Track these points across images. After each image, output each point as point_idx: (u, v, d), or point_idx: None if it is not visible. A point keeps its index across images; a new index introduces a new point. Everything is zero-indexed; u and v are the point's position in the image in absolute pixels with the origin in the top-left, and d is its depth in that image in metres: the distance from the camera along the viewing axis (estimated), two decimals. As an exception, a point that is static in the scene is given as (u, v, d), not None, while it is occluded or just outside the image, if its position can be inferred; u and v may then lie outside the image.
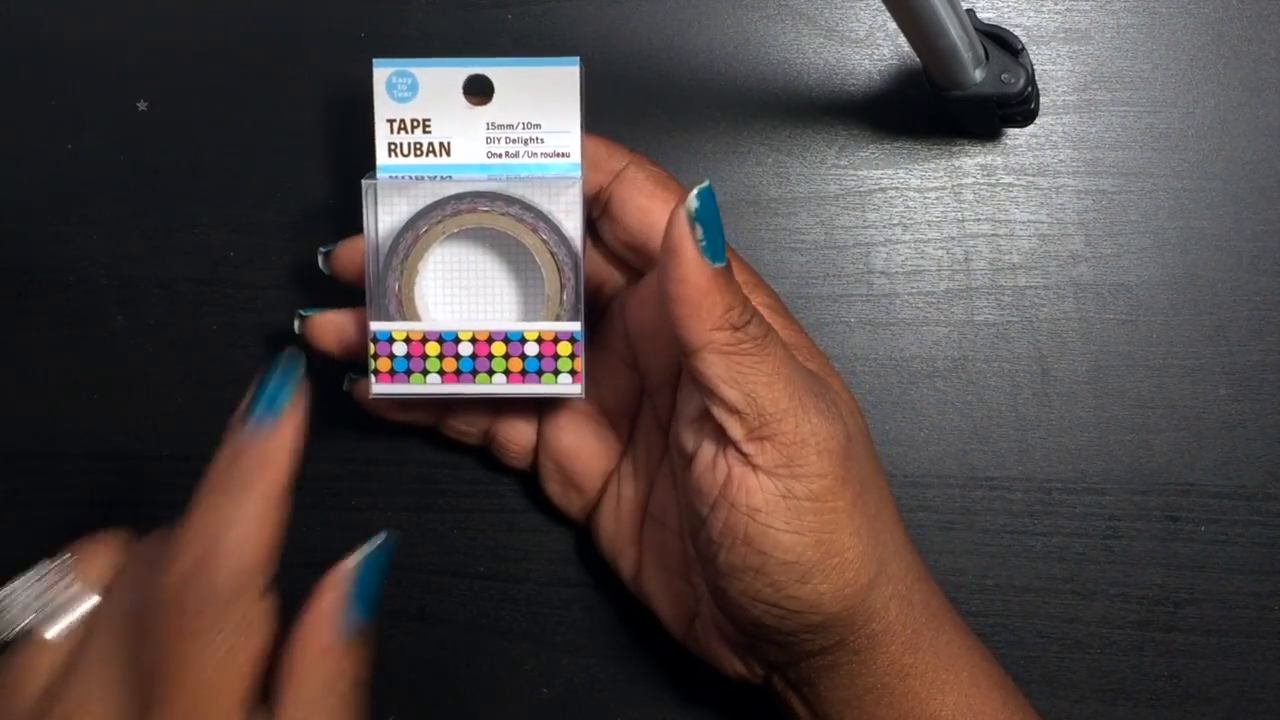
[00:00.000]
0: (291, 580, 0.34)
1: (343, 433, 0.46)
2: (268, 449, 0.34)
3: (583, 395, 0.41)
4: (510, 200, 0.41)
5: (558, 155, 0.41)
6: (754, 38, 0.47)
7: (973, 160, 0.46)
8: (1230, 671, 0.45)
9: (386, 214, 0.41)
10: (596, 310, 0.44)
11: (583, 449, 0.44)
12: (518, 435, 0.44)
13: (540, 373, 0.41)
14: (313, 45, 0.47)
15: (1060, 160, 0.46)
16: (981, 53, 0.41)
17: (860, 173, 0.46)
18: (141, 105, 0.47)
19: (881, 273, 0.46)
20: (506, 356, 0.41)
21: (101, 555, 0.37)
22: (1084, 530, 0.45)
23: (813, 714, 0.40)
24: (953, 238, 0.46)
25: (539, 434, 0.44)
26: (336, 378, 0.45)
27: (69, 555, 0.36)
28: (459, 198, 0.41)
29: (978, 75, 0.41)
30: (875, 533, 0.38)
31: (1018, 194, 0.46)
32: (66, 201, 0.47)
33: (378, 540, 0.36)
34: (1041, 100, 0.44)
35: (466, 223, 0.41)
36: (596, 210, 0.42)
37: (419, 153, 0.41)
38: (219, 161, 0.47)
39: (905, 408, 0.46)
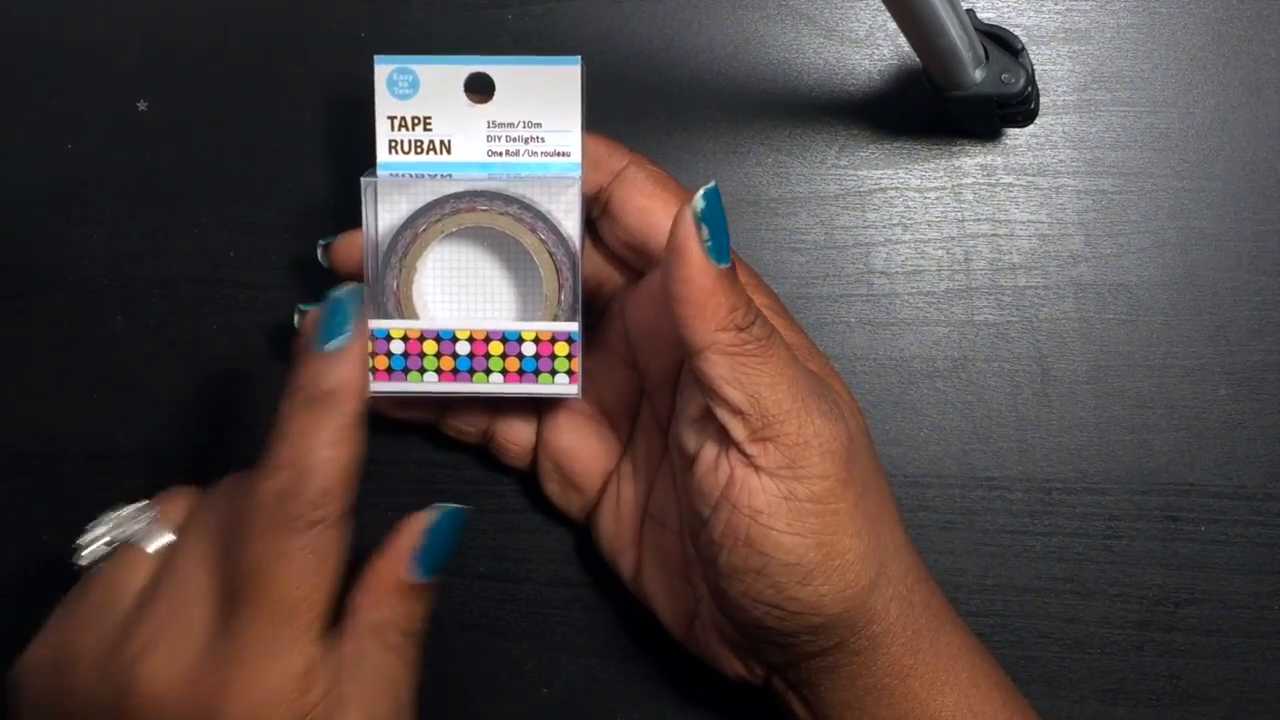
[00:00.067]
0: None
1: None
2: (345, 372, 0.36)
3: (580, 396, 0.41)
4: (509, 199, 0.41)
5: (558, 154, 0.41)
6: (754, 38, 0.47)
7: (973, 160, 0.46)
8: (1230, 671, 0.45)
9: (386, 211, 0.41)
10: (596, 310, 0.44)
11: (582, 449, 0.44)
12: (516, 435, 0.44)
13: (537, 373, 0.41)
14: (313, 45, 0.47)
15: (1060, 160, 0.46)
16: (981, 53, 0.41)
17: (860, 173, 0.46)
18: (141, 105, 0.47)
19: (881, 273, 0.46)
20: (504, 356, 0.41)
21: (179, 502, 0.40)
22: (1084, 530, 0.45)
23: (812, 715, 0.40)
24: (953, 238, 0.46)
25: (538, 434, 0.44)
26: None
27: (148, 501, 0.40)
28: (458, 196, 0.41)
29: (978, 75, 0.41)
30: (876, 534, 0.38)
31: (1018, 194, 0.46)
32: (66, 201, 0.47)
33: (453, 507, 0.39)
34: (1041, 100, 0.44)
35: (465, 221, 0.41)
36: (596, 210, 0.42)
37: (419, 150, 0.41)
38: (219, 161, 0.47)
39: (905, 408, 0.46)
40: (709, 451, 0.38)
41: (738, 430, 0.37)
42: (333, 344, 0.36)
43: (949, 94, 0.42)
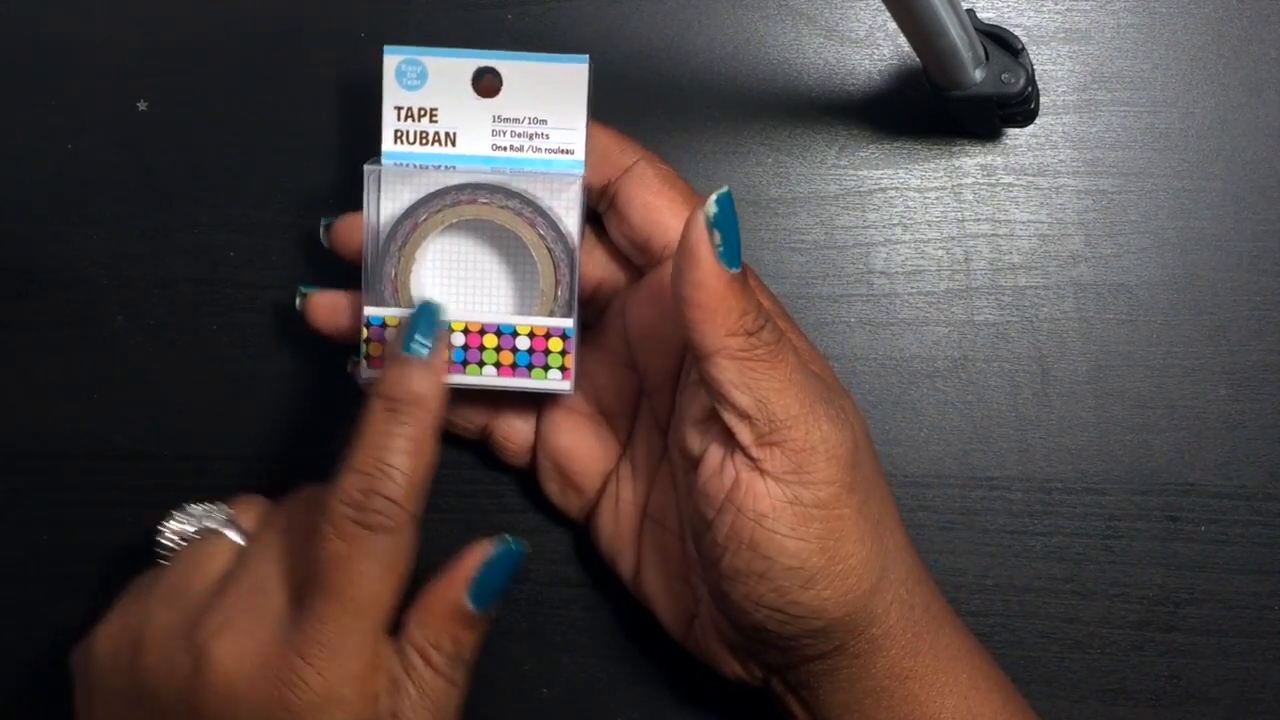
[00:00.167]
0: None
1: (343, 432, 0.46)
2: (426, 382, 0.38)
3: (572, 392, 0.41)
4: (510, 194, 0.41)
5: (562, 151, 0.41)
6: (754, 38, 0.47)
7: (973, 160, 0.46)
8: (1230, 671, 0.45)
9: (388, 200, 0.41)
10: (595, 309, 0.44)
11: (581, 449, 0.43)
12: (514, 434, 0.44)
13: (530, 367, 0.41)
14: (313, 45, 0.47)
15: (1060, 160, 0.46)
16: (981, 53, 0.41)
17: (860, 173, 0.46)
18: (141, 105, 0.47)
19: (881, 273, 0.46)
20: (498, 349, 0.41)
21: (252, 505, 0.42)
22: (1084, 530, 0.45)
23: (811, 717, 0.40)
24: (953, 238, 0.46)
25: (537, 433, 0.44)
26: (337, 370, 0.45)
27: (223, 502, 0.42)
28: (460, 188, 0.41)
29: (978, 75, 0.41)
30: (878, 538, 0.38)
31: (1018, 194, 0.46)
32: (66, 201, 0.47)
33: (513, 547, 0.40)
34: (1041, 100, 0.44)
35: (465, 214, 0.41)
36: (603, 204, 0.42)
37: (424, 141, 0.41)
38: (219, 161, 0.47)
39: (905, 408, 0.46)
40: (714, 454, 0.38)
41: (744, 434, 0.37)
42: (422, 349, 0.38)
43: (949, 94, 0.42)
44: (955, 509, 0.46)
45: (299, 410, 0.47)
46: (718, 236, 0.36)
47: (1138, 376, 0.46)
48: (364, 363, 0.41)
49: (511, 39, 0.46)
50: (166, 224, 0.47)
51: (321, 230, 0.43)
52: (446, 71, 0.41)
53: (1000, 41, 0.42)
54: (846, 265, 0.46)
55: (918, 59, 0.42)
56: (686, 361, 0.41)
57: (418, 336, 0.38)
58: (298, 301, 0.43)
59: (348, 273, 0.43)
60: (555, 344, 0.41)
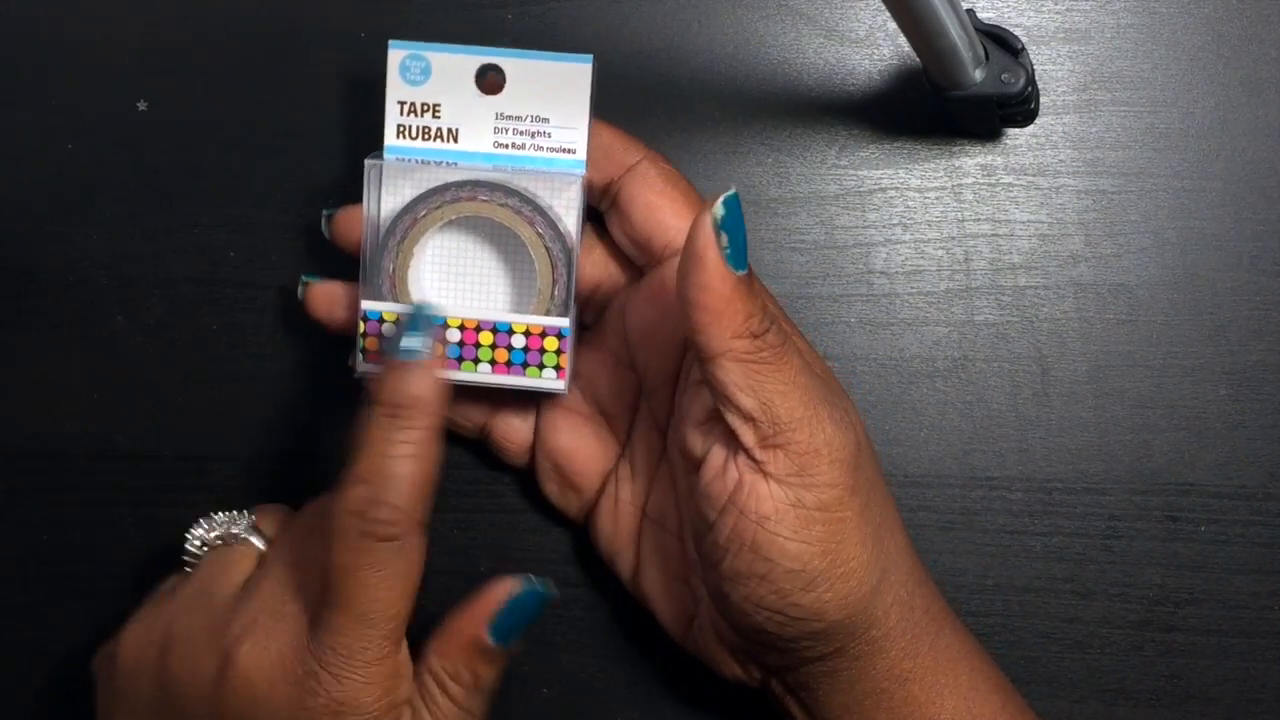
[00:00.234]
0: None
1: (343, 432, 0.46)
2: (423, 385, 0.37)
3: (566, 392, 0.42)
4: (510, 192, 0.41)
5: (563, 150, 0.41)
6: (754, 38, 0.46)
7: (973, 160, 0.46)
8: (1230, 671, 0.45)
9: (389, 194, 0.41)
10: (595, 309, 0.44)
11: (580, 449, 0.43)
12: (513, 433, 0.44)
13: (525, 365, 0.41)
14: (313, 45, 0.47)
15: (1060, 160, 0.46)
16: (981, 53, 0.41)
17: (860, 173, 0.46)
18: (141, 105, 0.47)
19: (881, 273, 0.46)
20: (493, 346, 0.41)
21: (272, 513, 0.43)
22: (1084, 530, 0.45)
23: (811, 718, 0.40)
24: (953, 238, 0.46)
25: (536, 433, 0.44)
26: (338, 370, 0.45)
27: (245, 510, 0.43)
28: (460, 185, 0.41)
29: (978, 75, 0.41)
30: (879, 540, 0.38)
31: (1018, 194, 0.46)
32: (66, 201, 0.47)
33: (540, 589, 0.40)
34: (1041, 100, 0.44)
35: (465, 210, 0.41)
36: (605, 203, 0.42)
37: (426, 137, 0.42)
38: (219, 161, 0.47)
39: (905, 408, 0.46)
40: (717, 455, 0.38)
41: (748, 436, 0.37)
42: (418, 354, 0.37)
43: (949, 94, 0.42)
44: (955, 509, 0.46)
45: (299, 410, 0.47)
46: (725, 239, 0.36)
47: (1138, 376, 0.46)
48: (360, 356, 0.42)
49: (512, 39, 0.46)
50: (166, 224, 0.47)
51: (323, 221, 0.43)
52: (450, 68, 0.41)
53: (1000, 41, 0.42)
54: (846, 265, 0.46)
55: (918, 59, 0.42)
56: (686, 362, 0.41)
57: (413, 339, 0.38)
58: (300, 290, 0.43)
59: (349, 269, 0.43)
60: (551, 343, 0.41)
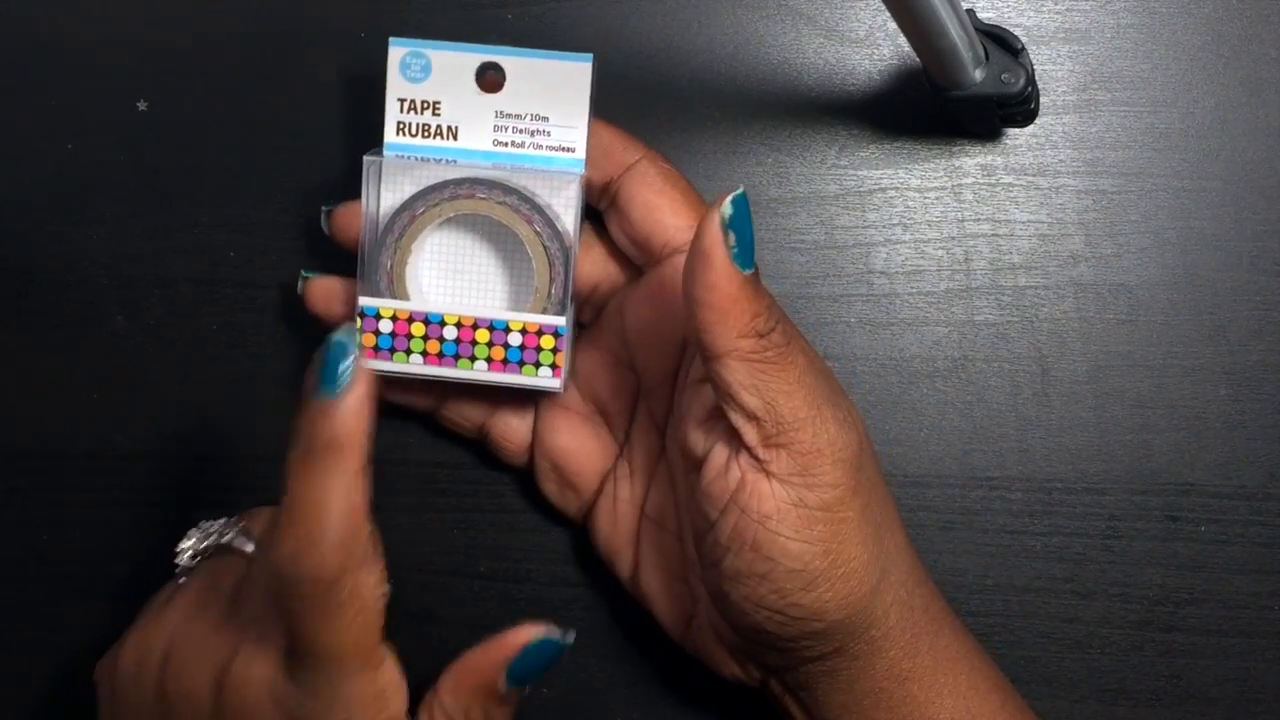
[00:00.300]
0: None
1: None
2: (344, 421, 0.35)
3: (562, 390, 0.42)
4: (508, 190, 0.41)
5: (562, 149, 0.41)
6: (754, 38, 0.47)
7: (973, 160, 0.46)
8: (1230, 671, 0.45)
9: (388, 191, 0.41)
10: (593, 308, 0.44)
11: (578, 449, 0.43)
12: (512, 433, 0.44)
13: (521, 363, 0.41)
14: (313, 45, 0.47)
15: (1060, 160, 0.46)
16: (981, 53, 0.41)
17: (860, 173, 0.46)
18: (141, 105, 0.47)
19: (881, 273, 0.46)
20: (490, 344, 0.41)
21: (261, 517, 0.42)
22: (1084, 530, 0.45)
23: (810, 718, 0.40)
24: (953, 238, 0.46)
25: (534, 433, 0.44)
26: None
27: (236, 516, 0.42)
28: (458, 182, 0.41)
29: (978, 75, 0.41)
30: (880, 540, 0.38)
31: (1018, 194, 0.46)
32: (66, 201, 0.47)
33: (558, 638, 0.39)
34: (1041, 100, 0.44)
35: (463, 208, 0.41)
36: (604, 202, 0.42)
37: (426, 134, 0.42)
38: (219, 161, 0.47)
39: (905, 408, 0.46)
40: (719, 455, 0.38)
41: (751, 435, 0.37)
42: (327, 390, 0.35)
43: (949, 94, 0.42)
44: (955, 509, 0.46)
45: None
46: (732, 238, 0.36)
47: (1138, 376, 0.46)
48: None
49: (511, 40, 0.46)
50: (166, 224, 0.47)
51: (322, 217, 0.43)
52: (450, 65, 0.41)
53: (1000, 41, 0.42)
54: (846, 265, 0.46)
55: (918, 59, 0.42)
56: (686, 361, 0.41)
57: (331, 373, 0.35)
58: (299, 285, 0.43)
59: (349, 265, 0.43)
60: (547, 341, 0.41)
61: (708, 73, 0.46)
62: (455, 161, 0.41)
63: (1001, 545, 0.46)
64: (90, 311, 0.47)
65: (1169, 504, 0.45)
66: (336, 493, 0.35)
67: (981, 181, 0.46)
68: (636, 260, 0.42)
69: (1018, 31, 0.44)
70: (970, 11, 0.41)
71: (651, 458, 0.43)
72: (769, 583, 0.37)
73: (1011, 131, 0.46)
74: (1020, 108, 0.42)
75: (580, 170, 0.41)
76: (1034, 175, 0.46)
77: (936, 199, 0.46)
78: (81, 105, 0.47)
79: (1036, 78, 0.43)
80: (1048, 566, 0.45)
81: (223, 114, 0.47)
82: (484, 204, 0.41)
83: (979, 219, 0.46)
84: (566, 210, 0.41)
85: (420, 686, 0.39)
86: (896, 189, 0.46)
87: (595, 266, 0.43)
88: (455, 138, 0.42)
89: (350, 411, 0.35)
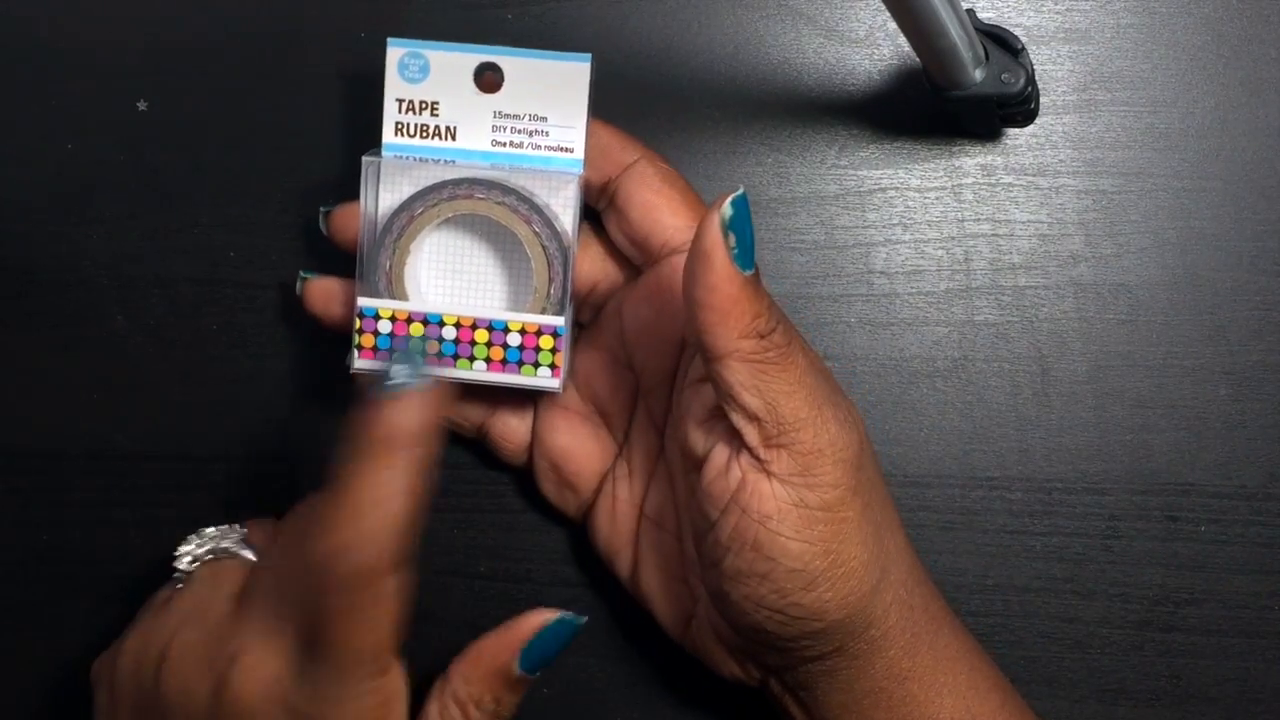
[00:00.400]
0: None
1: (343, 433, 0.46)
2: (409, 419, 0.35)
3: (561, 390, 0.42)
4: (507, 190, 0.41)
5: (561, 150, 0.41)
6: (754, 38, 0.47)
7: (973, 160, 0.46)
8: (1230, 671, 0.45)
9: (386, 192, 0.41)
10: (592, 308, 0.44)
11: (577, 449, 0.43)
12: (511, 433, 0.44)
13: (520, 363, 0.41)
14: (313, 45, 0.47)
15: (1060, 160, 0.46)
16: (981, 53, 0.41)
17: (860, 173, 0.46)
18: (141, 105, 0.47)
19: (881, 273, 0.46)
20: (489, 344, 0.41)
21: (262, 528, 0.42)
22: (1084, 530, 0.45)
23: (809, 717, 0.40)
24: (953, 238, 0.46)
25: (533, 433, 0.44)
26: (338, 371, 0.45)
27: (236, 524, 0.42)
28: (456, 183, 0.41)
29: (978, 75, 0.41)
30: (879, 540, 0.38)
31: (1018, 194, 0.46)
32: (66, 201, 0.47)
33: (570, 618, 0.39)
34: (1041, 100, 0.44)
35: (462, 208, 0.41)
36: (603, 202, 0.42)
37: (424, 134, 0.42)
38: (219, 161, 0.47)
39: (905, 408, 0.46)
40: (719, 454, 0.38)
41: (751, 436, 0.37)
42: (397, 389, 0.35)
43: (949, 94, 0.42)
44: (955, 509, 0.46)
45: (299, 410, 0.47)
46: (732, 239, 0.36)
47: (1138, 376, 0.46)
48: (355, 353, 0.41)
49: (511, 40, 0.46)
50: (166, 224, 0.47)
51: (321, 218, 0.43)
52: (449, 66, 0.41)
53: (1000, 41, 0.42)
54: (846, 265, 0.46)
55: (918, 59, 0.42)
56: (685, 360, 0.41)
57: (400, 372, 0.35)
58: (298, 286, 0.43)
59: (348, 267, 0.43)
60: (546, 341, 0.41)
61: (708, 73, 0.46)
62: (454, 162, 0.41)
63: (1001, 545, 0.46)
64: (90, 311, 0.47)
65: (1169, 504, 0.45)
66: (397, 491, 0.35)
67: (981, 181, 0.46)
68: (635, 260, 0.42)
69: (1018, 31, 0.44)
70: (970, 11, 0.41)
71: (650, 457, 0.43)
72: (769, 582, 0.37)
73: (1011, 131, 0.46)
74: (1020, 108, 0.42)
75: (579, 170, 0.41)
76: (1034, 175, 0.46)
77: (936, 199, 0.46)
78: (81, 105, 0.47)
79: (1036, 78, 0.43)
80: (1048, 566, 0.45)
81: (223, 114, 0.47)
82: (482, 204, 0.41)
83: (979, 219, 0.46)
84: (565, 210, 0.41)
85: (420, 686, 0.39)
86: (896, 189, 0.46)
87: (594, 266, 0.43)
88: (454, 138, 0.42)
89: (418, 410, 0.35)
